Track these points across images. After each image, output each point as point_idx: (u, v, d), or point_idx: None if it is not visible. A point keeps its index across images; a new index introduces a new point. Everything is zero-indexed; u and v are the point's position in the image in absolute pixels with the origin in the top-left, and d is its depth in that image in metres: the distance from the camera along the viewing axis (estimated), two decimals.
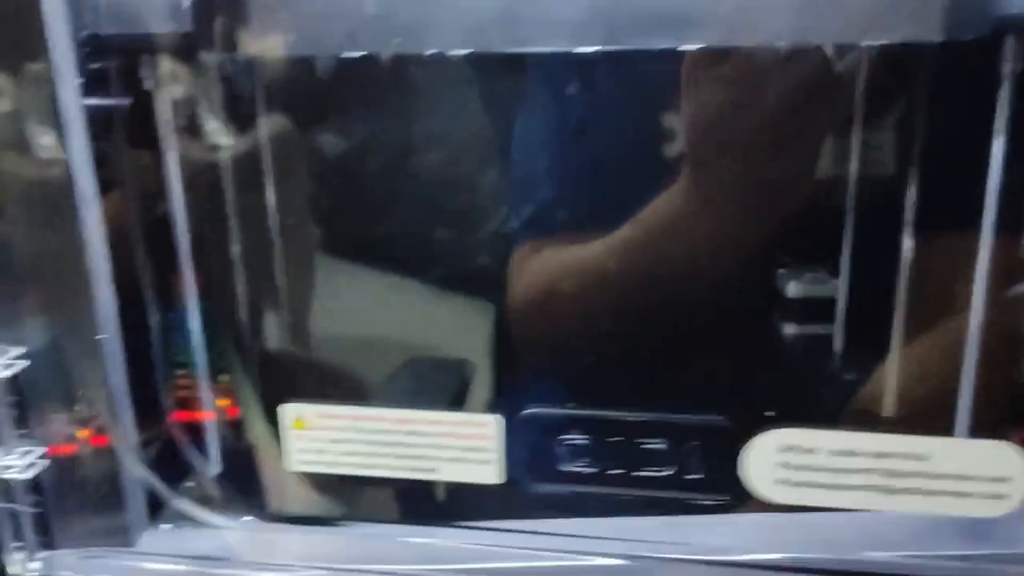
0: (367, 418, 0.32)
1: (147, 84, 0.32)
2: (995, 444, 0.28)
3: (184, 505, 0.36)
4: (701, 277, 0.32)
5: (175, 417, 0.36)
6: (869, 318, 0.31)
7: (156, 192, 0.33)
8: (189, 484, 0.37)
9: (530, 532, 0.32)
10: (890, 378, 0.31)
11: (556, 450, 0.32)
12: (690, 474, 0.31)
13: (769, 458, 0.29)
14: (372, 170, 0.33)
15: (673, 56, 0.29)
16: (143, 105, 0.32)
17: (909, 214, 0.30)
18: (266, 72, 0.32)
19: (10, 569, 0.35)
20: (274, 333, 0.35)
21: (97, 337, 0.32)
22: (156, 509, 0.36)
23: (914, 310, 0.31)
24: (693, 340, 0.32)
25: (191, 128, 0.33)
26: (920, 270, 0.31)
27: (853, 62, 0.29)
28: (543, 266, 0.32)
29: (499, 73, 0.31)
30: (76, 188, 0.31)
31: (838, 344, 0.32)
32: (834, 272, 0.31)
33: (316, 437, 0.33)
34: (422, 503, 0.35)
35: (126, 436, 0.34)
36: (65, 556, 0.35)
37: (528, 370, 0.33)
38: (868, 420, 0.32)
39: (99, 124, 0.31)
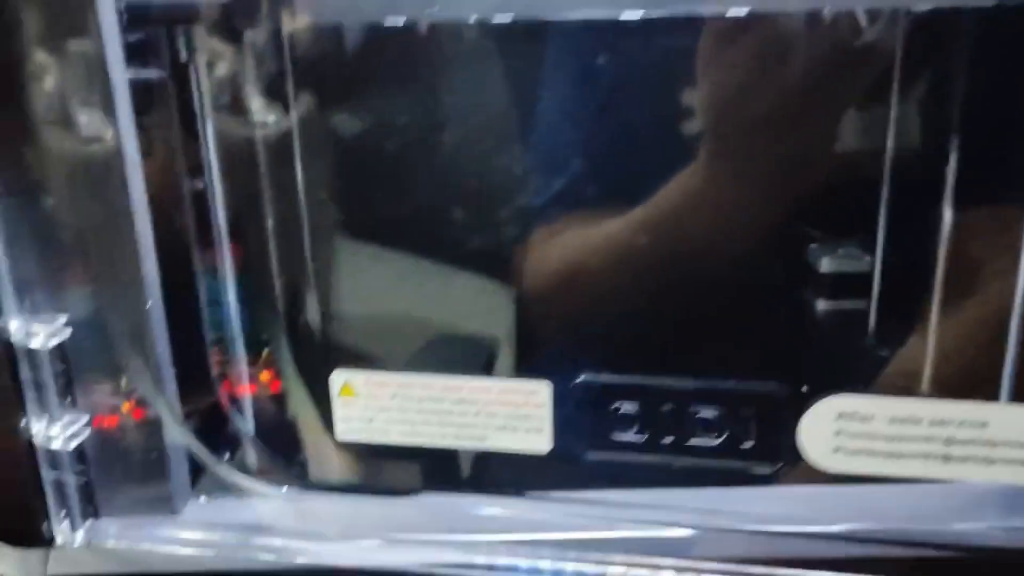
0: (415, 385, 0.32)
1: (183, 55, 0.32)
2: None
3: (228, 473, 0.36)
4: (738, 250, 0.32)
5: (222, 388, 0.36)
6: (909, 291, 0.31)
7: (195, 165, 0.33)
8: (232, 455, 0.37)
9: (586, 502, 0.32)
10: (930, 349, 0.31)
11: (607, 418, 0.31)
12: (743, 443, 0.30)
13: (825, 426, 0.29)
14: (415, 145, 0.32)
15: (704, 25, 0.28)
16: (181, 77, 0.32)
17: (951, 185, 0.30)
18: (301, 44, 0.32)
19: (57, 538, 0.35)
20: (317, 306, 0.35)
21: (145, 305, 0.32)
22: (199, 479, 0.36)
23: (954, 280, 0.30)
24: (741, 309, 0.31)
25: (230, 101, 0.33)
26: (961, 240, 0.30)
27: (890, 28, 0.28)
28: (575, 240, 0.32)
29: (534, 45, 0.31)
30: (123, 159, 0.30)
31: (885, 315, 0.32)
32: (870, 247, 0.30)
33: (364, 405, 0.32)
34: (464, 472, 0.35)
35: (170, 405, 0.34)
36: (109, 525, 0.36)
37: (578, 338, 0.32)
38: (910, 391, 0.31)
39: (138, 96, 0.31)
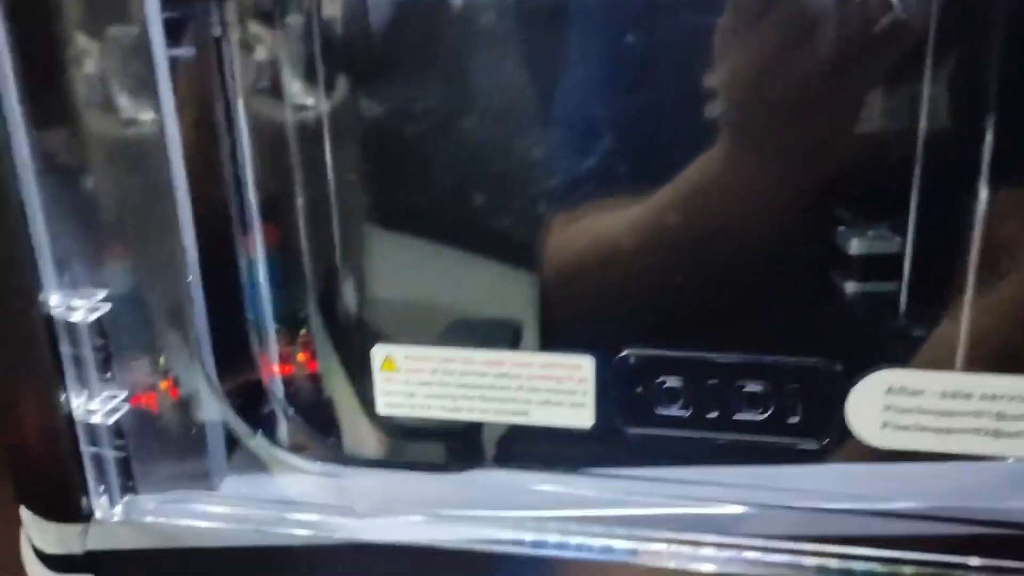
0: (456, 360, 0.32)
1: (216, 31, 0.32)
2: None
3: (265, 449, 0.36)
4: (775, 229, 0.31)
5: (260, 365, 0.36)
6: (944, 271, 0.30)
7: (230, 142, 0.33)
8: (268, 431, 0.36)
9: (632, 478, 0.32)
10: (964, 330, 0.30)
11: (651, 393, 0.31)
12: (790, 418, 0.30)
13: (874, 401, 0.28)
14: (453, 124, 0.32)
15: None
16: (214, 54, 0.32)
17: (987, 163, 0.29)
18: (333, 18, 0.32)
19: (95, 513, 0.35)
20: (354, 283, 0.35)
21: (185, 280, 0.32)
22: (236, 456, 0.36)
23: (989, 259, 0.30)
24: (782, 287, 0.31)
25: (264, 78, 0.32)
26: (997, 217, 0.29)
27: (922, 2, 0.28)
28: (610, 218, 0.32)
29: (563, 24, 0.30)
30: (162, 136, 0.30)
31: (918, 295, 0.31)
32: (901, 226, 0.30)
33: (405, 380, 0.32)
34: (508, 448, 0.35)
35: (209, 379, 0.34)
36: (147, 501, 0.36)
37: (621, 312, 0.32)
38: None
39: (175, 73, 0.31)
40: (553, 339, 0.32)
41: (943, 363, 0.30)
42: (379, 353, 0.32)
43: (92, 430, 0.34)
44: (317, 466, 0.36)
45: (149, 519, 0.35)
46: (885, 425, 0.29)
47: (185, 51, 0.31)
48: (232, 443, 0.36)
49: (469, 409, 0.32)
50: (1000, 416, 0.28)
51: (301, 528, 0.34)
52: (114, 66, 0.30)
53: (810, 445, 0.30)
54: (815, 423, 0.30)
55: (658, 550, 0.31)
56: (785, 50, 0.28)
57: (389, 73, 0.32)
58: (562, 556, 0.32)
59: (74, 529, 0.35)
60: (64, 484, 0.35)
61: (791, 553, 0.30)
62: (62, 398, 0.33)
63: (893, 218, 0.29)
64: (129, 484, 0.35)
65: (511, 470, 0.34)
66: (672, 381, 0.31)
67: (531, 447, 0.34)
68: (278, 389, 0.36)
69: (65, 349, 0.33)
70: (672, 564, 0.31)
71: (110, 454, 0.34)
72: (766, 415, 0.30)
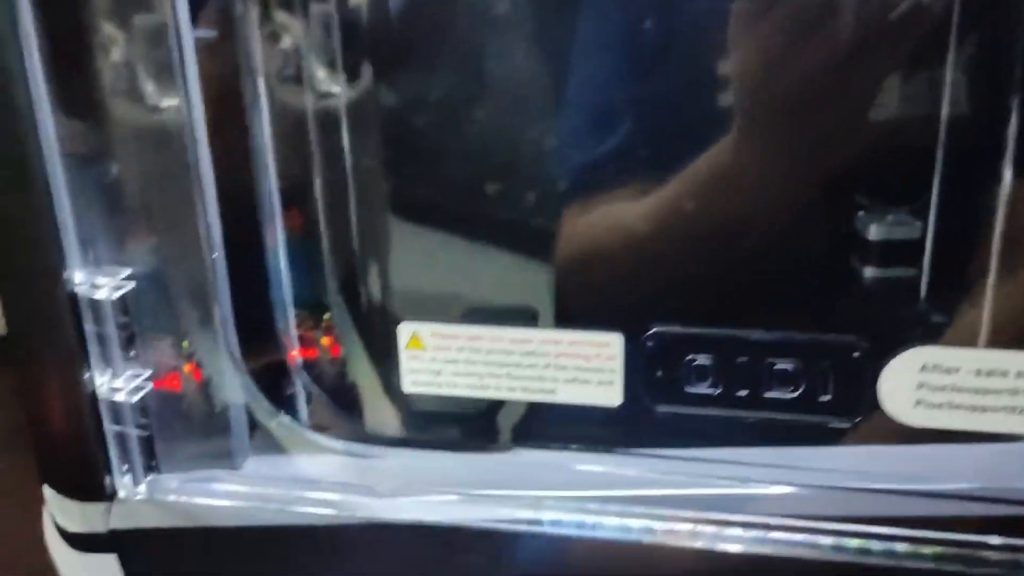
0: (484, 338, 0.31)
1: (239, 10, 0.32)
2: None
3: (289, 428, 0.35)
4: (800, 211, 0.31)
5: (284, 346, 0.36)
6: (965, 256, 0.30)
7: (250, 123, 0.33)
8: (291, 411, 0.36)
9: (658, 457, 0.32)
10: (986, 315, 0.30)
11: (680, 371, 0.31)
12: (821, 396, 0.30)
13: (907, 379, 0.28)
14: (480, 109, 0.32)
15: None
16: (236, 34, 0.32)
17: (1012, 146, 0.28)
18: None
19: (119, 492, 0.35)
20: (379, 265, 0.35)
21: (209, 258, 0.32)
22: (258, 436, 0.36)
23: (1012, 243, 0.29)
24: (817, 261, 0.31)
25: (286, 59, 0.32)
26: (1020, 201, 0.29)
27: None
28: (635, 200, 0.31)
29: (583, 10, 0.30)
30: (187, 116, 0.30)
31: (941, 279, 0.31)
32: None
33: (431, 358, 0.32)
34: (525, 427, 0.34)
35: (233, 357, 0.34)
36: (170, 480, 0.36)
37: (650, 290, 0.32)
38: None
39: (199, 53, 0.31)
40: (579, 318, 0.32)
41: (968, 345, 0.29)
42: (405, 331, 0.32)
43: (116, 408, 0.34)
44: (340, 445, 0.36)
45: (172, 498, 0.35)
46: (918, 403, 0.29)
47: (208, 32, 0.31)
48: (255, 423, 0.36)
49: (496, 387, 0.32)
50: None
51: (324, 508, 0.34)
52: (140, 42, 0.30)
53: (841, 424, 0.30)
54: (846, 401, 0.30)
55: (683, 530, 0.31)
56: (805, 35, 0.28)
57: (410, 59, 0.31)
58: (583, 535, 0.32)
59: (97, 508, 0.36)
60: (88, 463, 0.35)
61: (814, 533, 0.30)
62: (86, 376, 0.33)
63: (915, 202, 0.29)
64: (152, 463, 0.35)
65: (535, 449, 0.34)
66: (702, 359, 0.31)
67: (555, 427, 0.34)
68: (302, 369, 0.36)
69: (89, 327, 0.33)
70: (698, 544, 0.31)
71: (134, 432, 0.34)
72: (797, 393, 0.30)
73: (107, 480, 0.35)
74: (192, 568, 0.37)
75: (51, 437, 0.35)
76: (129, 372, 0.34)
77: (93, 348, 0.33)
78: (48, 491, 0.37)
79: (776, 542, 0.31)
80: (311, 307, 0.35)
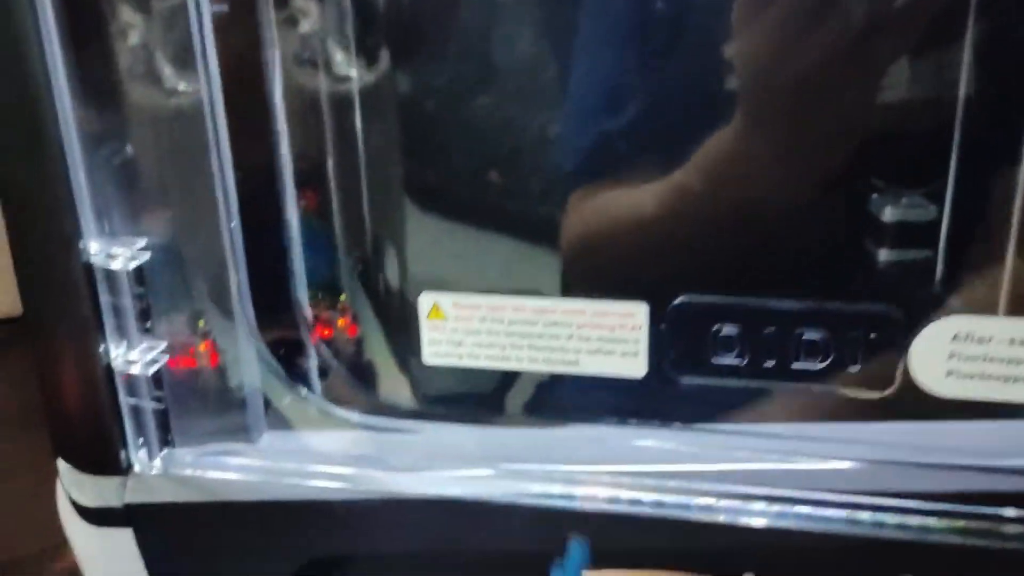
0: (506, 308, 0.31)
1: None
2: None
3: (305, 401, 0.35)
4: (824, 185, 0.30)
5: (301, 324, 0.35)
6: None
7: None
8: (308, 385, 0.36)
9: (679, 429, 0.31)
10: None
11: (706, 341, 0.30)
12: (850, 367, 0.29)
13: (939, 348, 0.28)
14: (504, 92, 0.31)
15: None
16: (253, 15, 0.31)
17: None
18: None
19: (134, 466, 0.35)
20: (400, 242, 0.34)
21: (227, 226, 0.31)
22: (274, 410, 0.36)
23: None
24: (844, 231, 0.30)
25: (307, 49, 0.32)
26: None
27: None
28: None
29: None
30: (204, 88, 0.30)
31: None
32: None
33: (452, 328, 0.32)
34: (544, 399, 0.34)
35: (250, 324, 0.33)
36: (185, 454, 0.35)
37: (676, 259, 0.31)
38: None
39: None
40: (603, 288, 0.31)
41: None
42: (426, 301, 0.32)
43: (131, 381, 0.34)
44: (357, 417, 0.35)
45: (188, 472, 0.35)
46: (949, 373, 0.28)
47: (223, 7, 0.31)
48: (270, 397, 0.36)
49: (517, 359, 0.32)
50: None
51: (340, 482, 0.34)
52: (159, 34, 0.29)
53: (870, 395, 0.30)
54: (876, 372, 0.29)
55: (706, 504, 0.31)
56: (819, 17, 0.27)
57: (427, 42, 0.31)
58: (602, 509, 0.31)
59: (112, 482, 0.35)
60: (103, 436, 0.34)
61: (823, 505, 0.30)
62: (101, 348, 0.33)
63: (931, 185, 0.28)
64: (168, 437, 0.35)
65: (552, 423, 0.33)
66: (728, 329, 0.30)
67: (573, 399, 0.33)
68: (320, 342, 0.36)
69: (104, 298, 0.32)
70: (721, 519, 0.31)
71: (149, 406, 0.34)
72: (825, 364, 0.30)
73: (122, 454, 0.35)
74: (207, 542, 0.37)
75: (66, 410, 0.35)
76: (144, 344, 0.33)
77: (108, 320, 0.33)
78: (63, 465, 0.36)
79: (802, 517, 0.30)
80: (328, 283, 0.35)
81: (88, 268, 0.32)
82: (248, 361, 0.34)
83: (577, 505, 0.31)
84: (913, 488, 0.30)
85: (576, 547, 0.24)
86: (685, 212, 0.30)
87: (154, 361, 0.34)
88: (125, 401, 0.34)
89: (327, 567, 0.37)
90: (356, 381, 0.35)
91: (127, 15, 0.29)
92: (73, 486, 0.36)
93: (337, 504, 0.35)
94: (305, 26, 0.31)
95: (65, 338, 0.33)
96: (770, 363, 0.30)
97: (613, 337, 0.30)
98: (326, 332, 0.35)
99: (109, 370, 0.33)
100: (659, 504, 0.31)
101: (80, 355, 0.33)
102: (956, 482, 0.30)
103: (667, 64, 0.30)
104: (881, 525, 0.29)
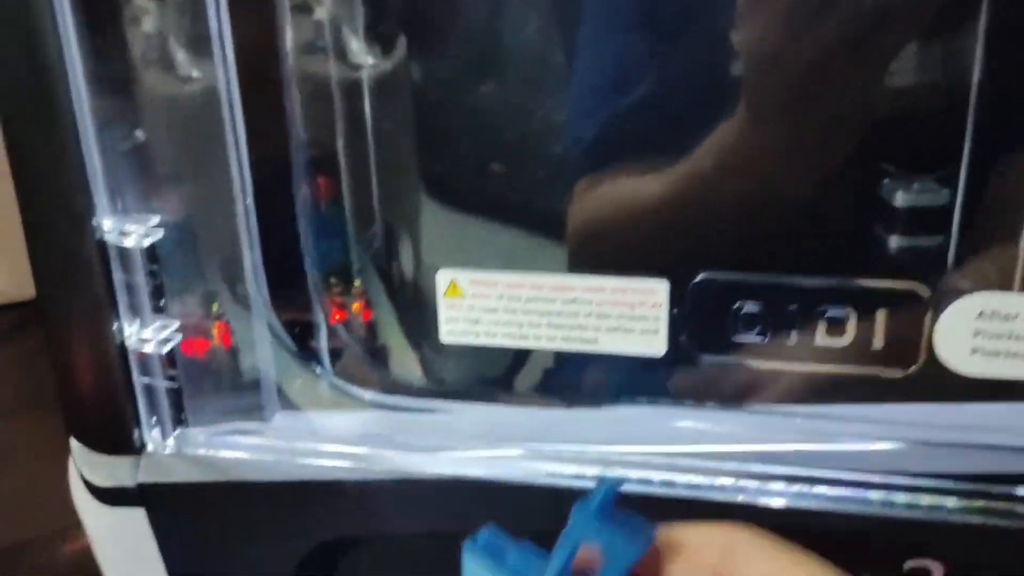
0: (524, 285, 0.31)
1: None
2: None
3: (318, 380, 0.35)
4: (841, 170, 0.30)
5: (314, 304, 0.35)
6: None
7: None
8: (322, 365, 0.36)
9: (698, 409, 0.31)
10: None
11: (728, 319, 0.30)
12: (873, 345, 0.29)
13: (964, 326, 0.27)
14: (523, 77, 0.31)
15: None
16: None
17: None
18: None
19: (148, 445, 0.35)
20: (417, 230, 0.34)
21: (240, 205, 0.31)
22: (288, 389, 0.36)
23: None
24: (865, 207, 0.30)
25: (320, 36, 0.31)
26: None
27: None
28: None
29: None
30: (219, 83, 0.29)
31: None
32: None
33: (470, 306, 0.31)
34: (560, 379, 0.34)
35: (265, 300, 0.33)
36: (198, 433, 0.35)
37: (697, 235, 0.31)
38: None
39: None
40: (623, 266, 0.31)
41: None
42: (443, 278, 0.31)
43: (145, 360, 0.33)
44: (370, 395, 0.35)
45: (201, 451, 0.35)
46: (975, 351, 0.28)
47: None
48: (283, 375, 0.36)
49: (536, 337, 0.31)
50: None
51: (353, 462, 0.34)
52: (173, 21, 0.29)
53: (894, 373, 0.29)
54: (900, 350, 0.29)
55: (724, 484, 0.31)
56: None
57: (442, 30, 0.30)
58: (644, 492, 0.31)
59: (126, 461, 0.35)
60: (116, 415, 0.34)
61: (841, 485, 0.30)
62: (115, 327, 0.33)
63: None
64: (181, 416, 0.35)
65: (569, 403, 0.33)
66: (750, 306, 0.30)
67: (589, 378, 0.33)
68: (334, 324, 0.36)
69: (118, 276, 0.32)
70: (739, 499, 0.31)
71: (162, 385, 0.34)
72: (849, 342, 0.29)
73: (135, 433, 0.35)
74: (220, 522, 0.37)
75: (79, 389, 0.34)
76: (158, 323, 0.33)
77: (122, 298, 0.32)
78: (75, 445, 0.36)
79: (819, 497, 0.30)
80: (342, 266, 0.35)
81: (101, 245, 0.31)
82: (261, 340, 0.34)
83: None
84: (934, 468, 0.29)
85: (605, 485, 0.23)
86: (705, 192, 0.30)
87: (167, 340, 0.33)
88: (138, 380, 0.34)
89: (337, 551, 0.37)
90: (370, 360, 0.35)
91: (141, 1, 0.29)
92: (86, 466, 0.36)
93: (350, 484, 0.34)
94: (320, 13, 0.31)
95: (78, 316, 0.33)
96: (792, 341, 0.30)
97: (633, 315, 0.30)
98: (340, 315, 0.34)
99: (123, 349, 0.33)
100: (684, 485, 0.31)
101: (93, 333, 0.33)
102: (976, 462, 0.29)
103: (685, 47, 0.29)
104: (911, 506, 0.29)
